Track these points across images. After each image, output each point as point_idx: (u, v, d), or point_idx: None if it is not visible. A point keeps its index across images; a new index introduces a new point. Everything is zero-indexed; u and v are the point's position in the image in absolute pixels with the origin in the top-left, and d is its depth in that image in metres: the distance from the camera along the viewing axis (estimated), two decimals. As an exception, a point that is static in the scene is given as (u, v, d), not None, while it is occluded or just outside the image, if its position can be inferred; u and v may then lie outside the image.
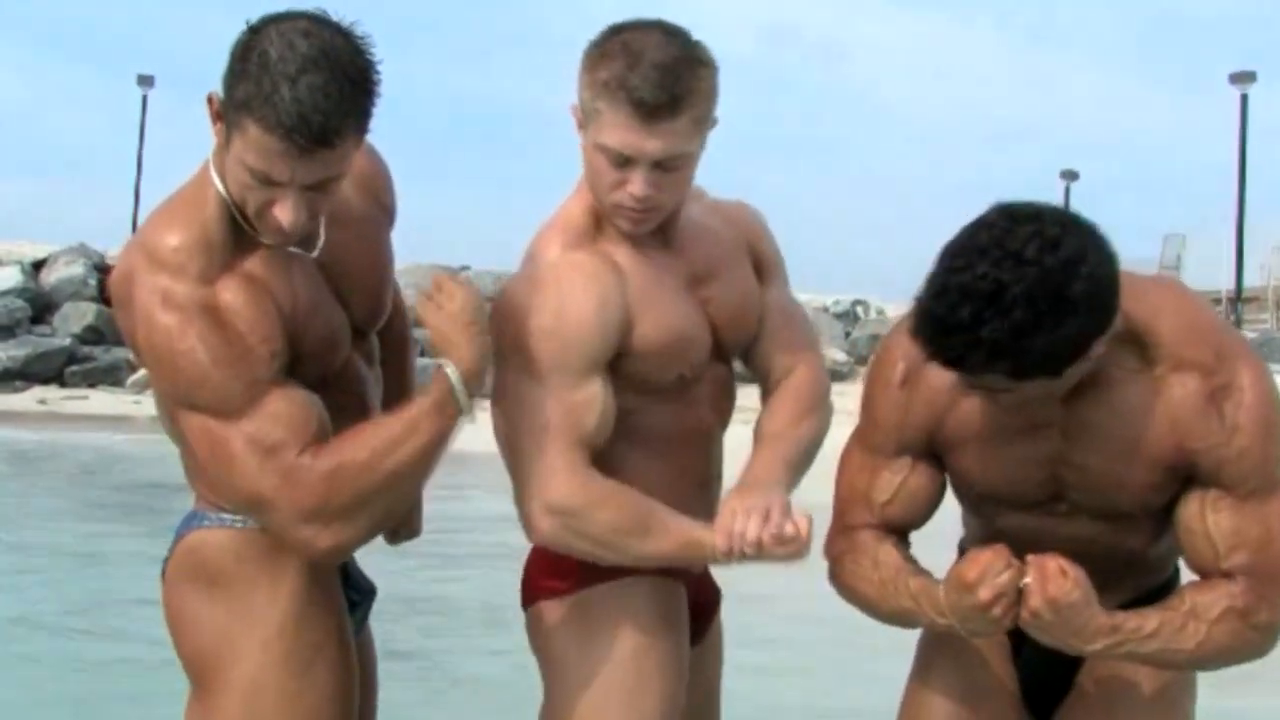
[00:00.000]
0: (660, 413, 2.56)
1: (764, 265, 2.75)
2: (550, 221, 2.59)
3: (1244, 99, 40.34)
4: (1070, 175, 48.81)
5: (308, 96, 2.09)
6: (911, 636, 2.77)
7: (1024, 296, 2.12)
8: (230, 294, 2.25)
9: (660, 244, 2.58)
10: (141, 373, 25.49)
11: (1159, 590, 2.59)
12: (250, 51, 2.13)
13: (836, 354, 29.18)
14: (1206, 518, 2.40)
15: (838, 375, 28.69)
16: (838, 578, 2.60)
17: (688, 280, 2.60)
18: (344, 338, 2.49)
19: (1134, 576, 2.55)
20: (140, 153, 43.36)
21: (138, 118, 43.39)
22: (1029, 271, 2.13)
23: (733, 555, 2.38)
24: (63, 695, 5.93)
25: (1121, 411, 2.39)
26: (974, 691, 2.65)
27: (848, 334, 30.29)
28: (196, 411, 2.25)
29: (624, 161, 2.38)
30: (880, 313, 31.14)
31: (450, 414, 2.34)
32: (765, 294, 2.73)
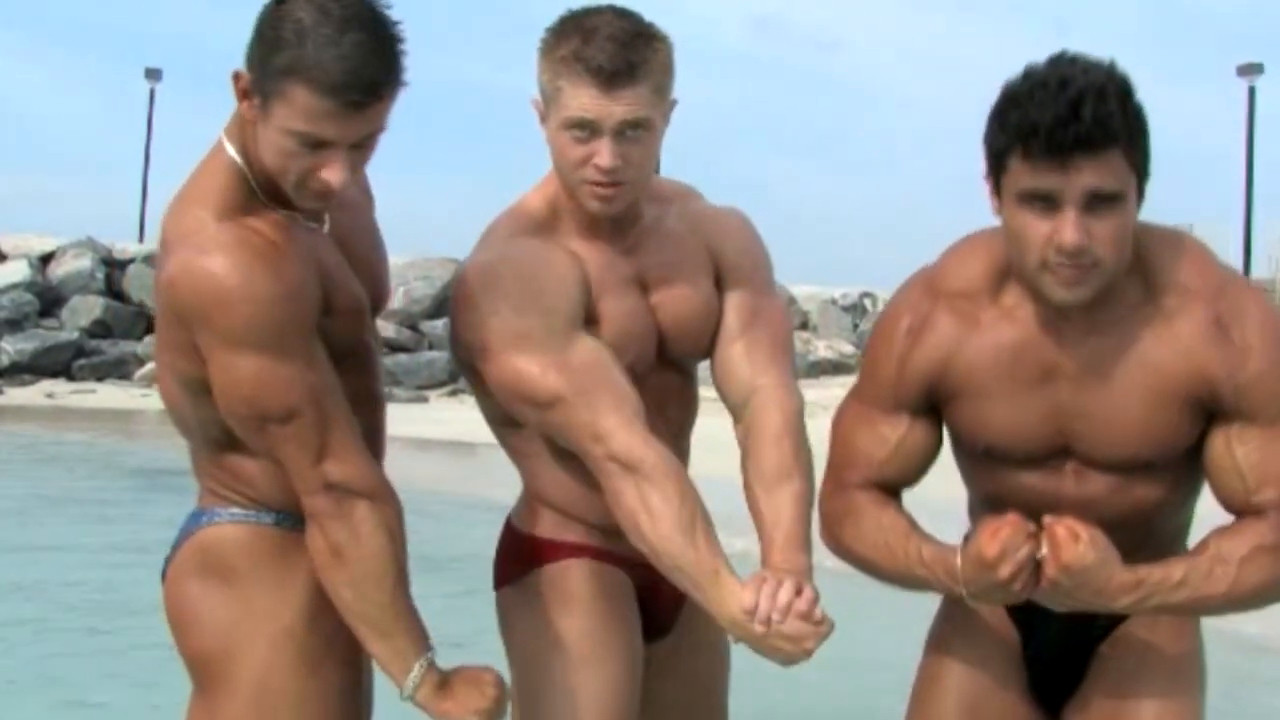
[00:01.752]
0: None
1: (727, 270, 2.70)
2: (506, 211, 2.60)
3: (1251, 91, 40.30)
4: (1078, 167, 48.78)
5: (354, 53, 2.14)
6: (909, 636, 2.76)
7: (1102, 80, 2.24)
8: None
9: (615, 243, 2.58)
10: (149, 366, 25.52)
11: None
12: (282, 21, 2.16)
13: (844, 346, 29.18)
14: (1234, 451, 2.38)
15: (845, 368, 28.67)
16: (837, 538, 2.56)
17: (639, 282, 2.60)
18: (366, 308, 2.49)
19: (1150, 549, 2.48)
20: (148, 146, 43.45)
21: (145, 111, 43.53)
22: (1099, 68, 2.27)
23: (756, 617, 2.30)
24: (81, 689, 5.94)
25: (1132, 348, 2.39)
26: (983, 690, 2.63)
27: (855, 326, 30.27)
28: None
29: (589, 132, 2.40)
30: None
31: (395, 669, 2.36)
32: (729, 296, 2.69)
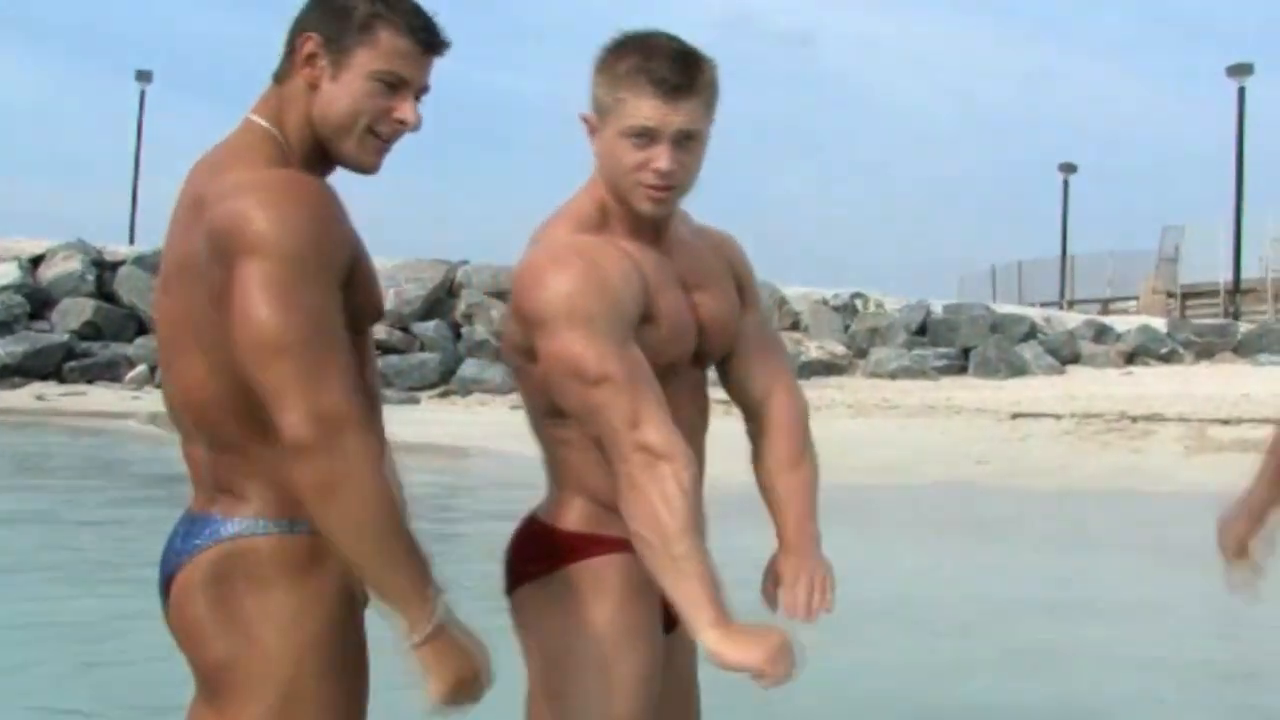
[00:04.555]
0: (666, 396, 2.62)
1: (745, 291, 2.94)
2: (559, 212, 2.75)
3: (1241, 91, 40.36)
4: (1068, 168, 48.85)
5: (423, 7, 2.47)
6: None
7: None
8: None
9: (657, 245, 2.75)
10: (140, 369, 25.51)
11: None
12: None
13: (835, 346, 29.22)
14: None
15: (836, 368, 28.73)
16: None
17: (681, 283, 2.77)
18: (381, 301, 2.59)
19: None
20: (138, 148, 43.48)
21: (135, 113, 43.53)
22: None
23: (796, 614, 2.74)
24: (76, 695, 5.93)
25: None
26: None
27: (846, 327, 30.32)
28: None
29: (649, 139, 2.59)
30: (879, 305, 31.17)
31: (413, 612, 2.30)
32: (744, 317, 2.92)
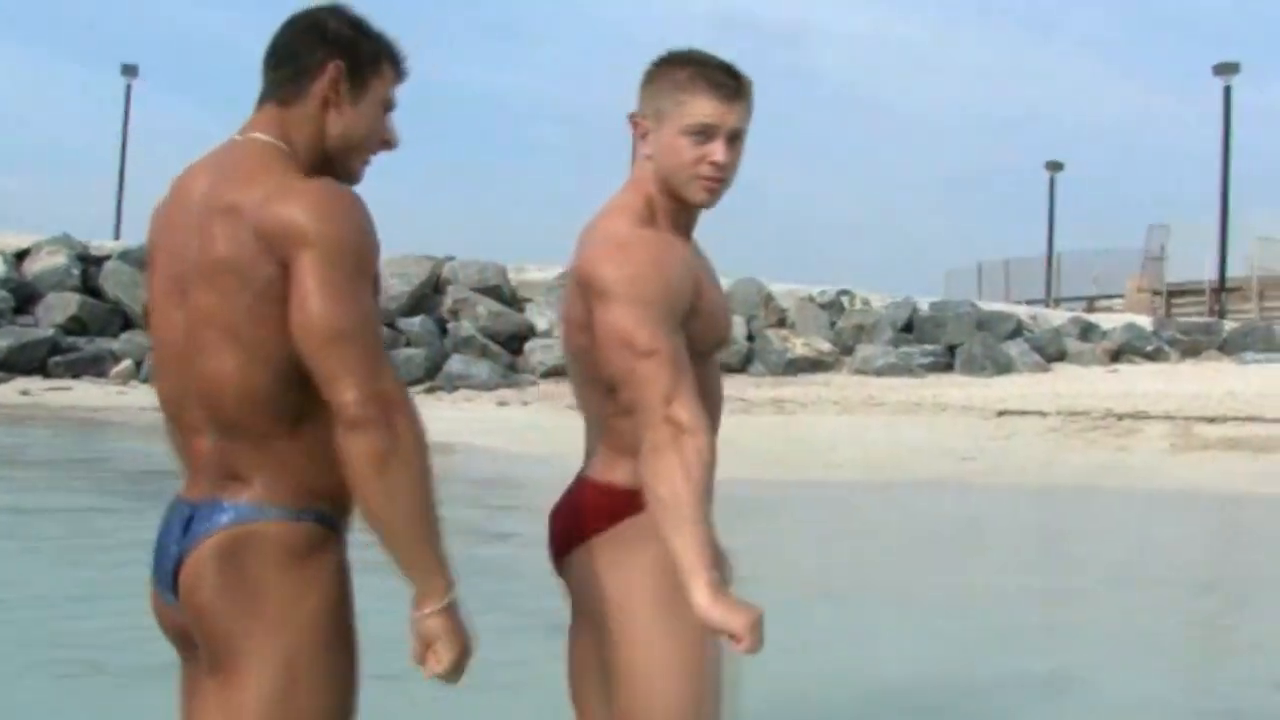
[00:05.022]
0: (699, 378, 2.85)
1: None
2: (611, 208, 3.00)
3: (1227, 90, 40.50)
4: (1055, 166, 48.94)
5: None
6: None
7: None
8: None
9: (688, 242, 3.05)
10: (126, 363, 25.48)
11: None
12: (357, 23, 2.73)
13: (821, 344, 29.22)
14: None
15: (822, 365, 28.75)
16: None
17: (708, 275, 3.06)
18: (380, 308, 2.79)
19: None
20: (124, 142, 43.44)
21: (122, 107, 43.48)
22: None
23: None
24: (61, 685, 5.93)
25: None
26: None
27: (833, 324, 30.35)
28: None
29: (706, 136, 2.92)
30: (865, 302, 31.20)
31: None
32: None
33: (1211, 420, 18.00)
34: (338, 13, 2.73)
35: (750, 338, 28.59)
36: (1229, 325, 33.50)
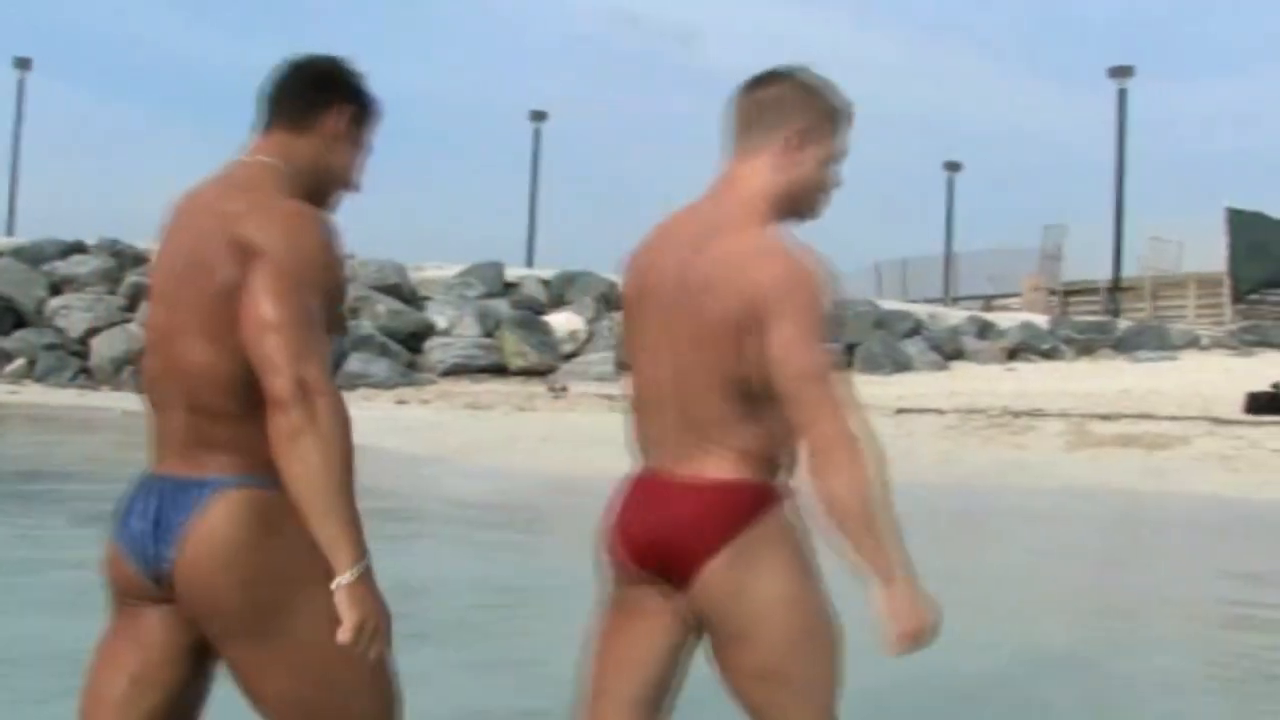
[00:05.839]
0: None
1: None
2: (747, 214, 3.04)
3: (1122, 93, 41.14)
4: (953, 166, 49.48)
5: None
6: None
7: None
8: None
9: None
10: (19, 362, 25.04)
11: None
12: (350, 69, 3.10)
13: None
14: None
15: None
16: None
17: None
18: (345, 315, 3.05)
19: None
20: (18, 137, 42.74)
21: (14, 101, 42.75)
22: None
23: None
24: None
25: None
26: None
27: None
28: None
29: (838, 162, 3.13)
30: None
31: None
32: None
33: (1106, 418, 18.26)
34: (347, 64, 3.10)
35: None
36: (1123, 324, 34.05)
